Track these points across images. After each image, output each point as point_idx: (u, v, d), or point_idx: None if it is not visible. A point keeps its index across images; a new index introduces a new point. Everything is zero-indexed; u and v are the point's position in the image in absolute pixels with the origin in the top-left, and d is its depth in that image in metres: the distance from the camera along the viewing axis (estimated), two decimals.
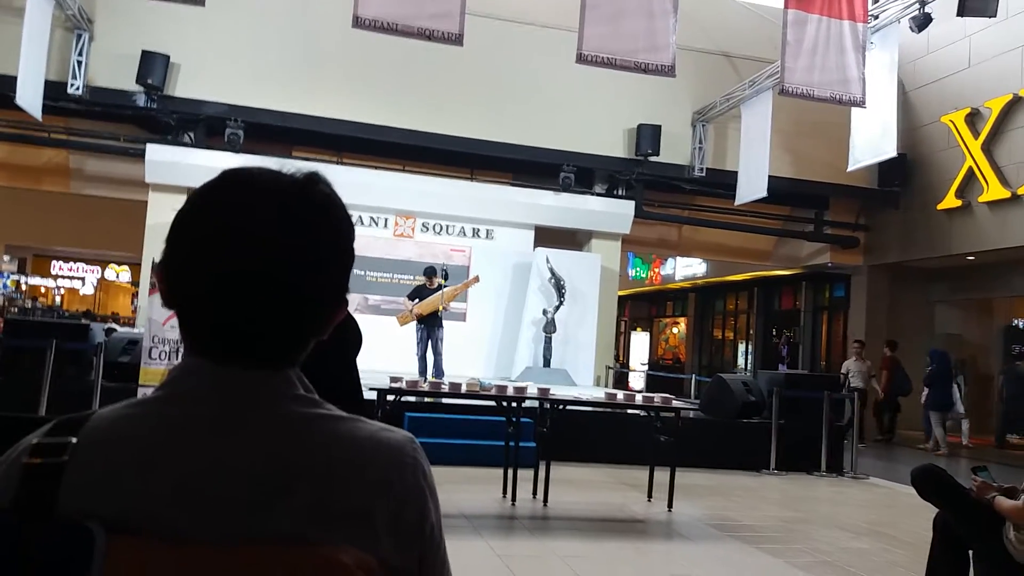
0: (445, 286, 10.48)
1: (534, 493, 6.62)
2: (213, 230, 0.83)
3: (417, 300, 10.39)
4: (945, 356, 12.71)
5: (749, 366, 19.77)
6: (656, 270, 22.95)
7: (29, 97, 10.00)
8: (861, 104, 10.04)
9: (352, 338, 2.87)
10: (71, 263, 22.26)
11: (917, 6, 10.32)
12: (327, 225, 0.87)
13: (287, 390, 0.84)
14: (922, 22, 10.30)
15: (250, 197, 0.84)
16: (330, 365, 1.60)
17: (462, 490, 6.71)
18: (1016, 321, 15.22)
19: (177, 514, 0.76)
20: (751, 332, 20.44)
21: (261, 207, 0.83)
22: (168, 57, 11.52)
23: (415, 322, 10.48)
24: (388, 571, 0.79)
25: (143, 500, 0.77)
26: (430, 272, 10.48)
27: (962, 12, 9.73)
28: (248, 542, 0.76)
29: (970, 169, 12.79)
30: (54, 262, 22.07)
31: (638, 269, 23.74)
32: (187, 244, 0.84)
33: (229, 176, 0.86)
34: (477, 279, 11.49)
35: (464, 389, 6.38)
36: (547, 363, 12.94)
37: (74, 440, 0.79)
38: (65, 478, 0.77)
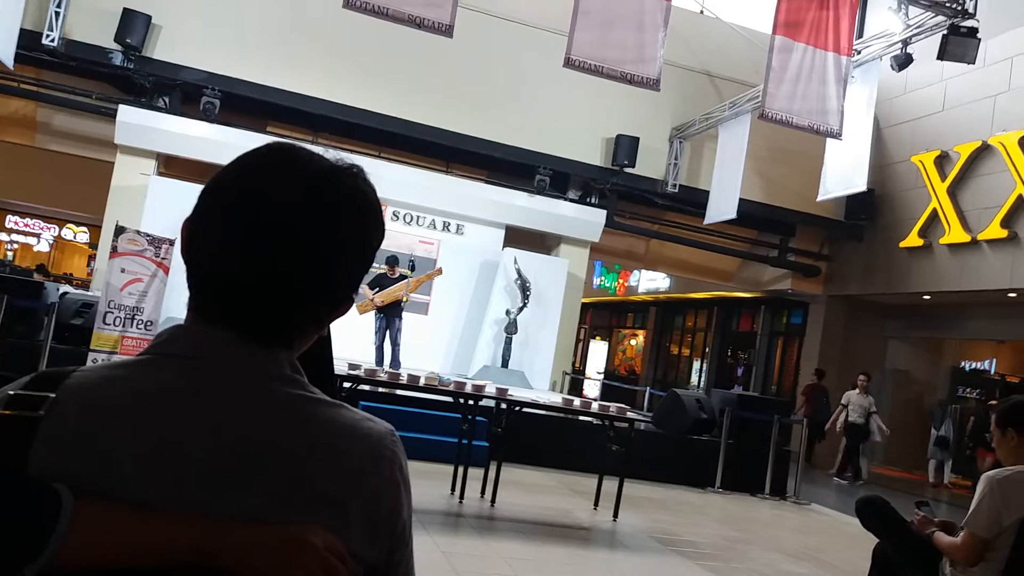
0: (409, 277, 10.45)
1: (483, 492, 6.62)
2: (242, 198, 0.84)
3: (378, 289, 10.32)
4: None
5: (702, 384, 19.98)
6: (623, 281, 23.10)
7: (2, 44, 9.73)
8: (838, 136, 10.21)
9: None
10: (27, 219, 21.71)
11: (900, 46, 10.52)
12: (351, 220, 0.87)
13: (275, 369, 0.84)
14: (903, 62, 10.51)
15: (285, 174, 0.85)
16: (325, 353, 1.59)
17: (412, 484, 6.67)
18: (964, 363, 15.60)
19: (148, 482, 0.76)
20: (707, 350, 20.66)
21: (292, 186, 0.84)
22: (150, 17, 11.28)
23: (374, 311, 10.42)
24: (356, 561, 0.79)
25: (115, 464, 0.76)
26: (392, 261, 10.44)
27: (942, 56, 9.93)
28: (219, 515, 0.75)
29: (934, 210, 13.08)
30: (9, 216, 21.50)
31: (604, 279, 23.86)
32: (215, 204, 0.85)
33: (271, 149, 0.88)
34: (440, 271, 11.44)
35: (423, 382, 6.35)
36: (505, 363, 12.93)
37: (52, 395, 0.78)
38: (39, 434, 0.76)
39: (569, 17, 8.84)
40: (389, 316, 10.40)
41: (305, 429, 0.81)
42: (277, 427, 0.80)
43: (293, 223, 0.82)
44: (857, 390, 12.70)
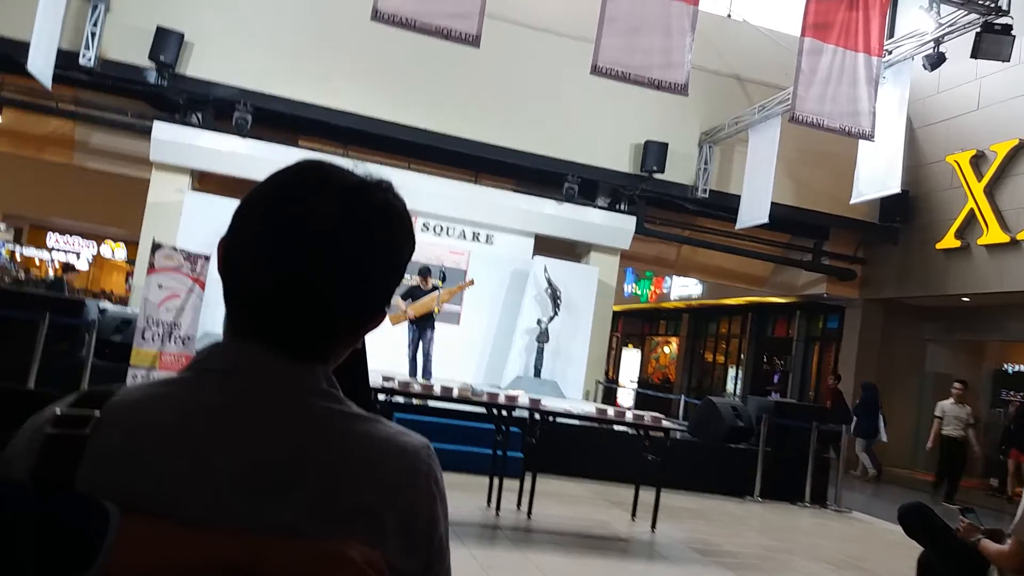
0: (441, 288, 10.46)
1: (518, 504, 6.59)
2: (274, 215, 0.85)
3: (411, 300, 10.35)
4: (873, 388, 13.13)
5: (738, 391, 19.77)
6: (655, 289, 22.94)
7: (40, 65, 9.93)
8: (870, 137, 10.07)
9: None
10: (67, 236, 22.14)
11: (932, 45, 10.36)
12: (383, 234, 0.88)
13: (312, 383, 0.85)
14: (935, 61, 10.34)
15: (317, 191, 0.86)
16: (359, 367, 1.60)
17: (448, 496, 6.67)
18: (1006, 366, 15.26)
19: (189, 498, 0.77)
20: (742, 357, 20.45)
21: (324, 202, 0.85)
22: (182, 35, 11.47)
23: (407, 322, 10.45)
24: (394, 573, 0.79)
25: (158, 481, 0.78)
26: (424, 272, 10.46)
27: (976, 54, 9.77)
28: (258, 529, 0.77)
29: (971, 211, 12.84)
30: (50, 234, 21.95)
31: (636, 287, 23.72)
32: (249, 222, 0.86)
33: (304, 166, 0.89)
34: (472, 282, 11.41)
35: (456, 394, 6.35)
36: (538, 373, 12.90)
37: (97, 414, 0.80)
38: (85, 452, 0.78)
39: (595, 24, 8.83)
40: (422, 327, 10.42)
41: (341, 443, 0.82)
42: (313, 441, 0.81)
43: (326, 238, 0.84)
44: (951, 400, 11.40)
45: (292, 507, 0.78)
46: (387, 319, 10.31)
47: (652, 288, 23.11)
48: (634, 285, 23.85)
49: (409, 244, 0.92)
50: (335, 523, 0.78)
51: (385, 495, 0.82)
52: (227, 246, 0.87)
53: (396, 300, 10.49)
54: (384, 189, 0.90)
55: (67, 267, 14.78)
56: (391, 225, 0.89)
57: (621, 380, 24.88)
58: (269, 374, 0.83)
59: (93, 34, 11.14)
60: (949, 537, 3.78)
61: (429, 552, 0.85)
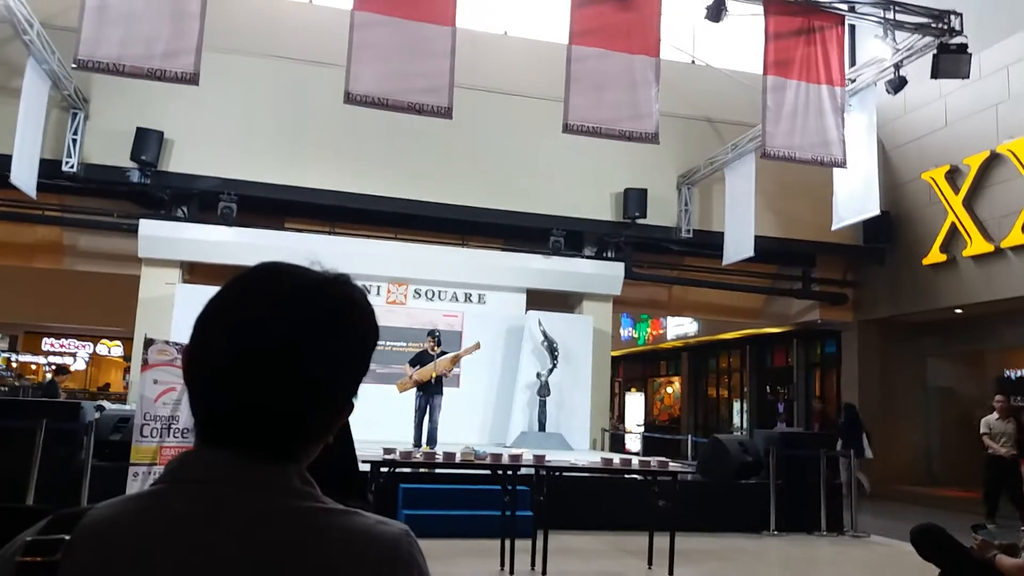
0: (444, 352, 10.44)
1: (532, 564, 6.52)
2: (230, 319, 0.87)
3: (418, 366, 10.29)
4: (853, 409, 13.36)
5: (745, 424, 19.67)
6: (654, 330, 22.95)
7: (24, 176, 10.13)
8: (842, 165, 10.26)
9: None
10: (63, 339, 22.18)
11: (892, 70, 10.64)
12: (345, 330, 0.89)
13: (285, 482, 0.85)
14: (898, 84, 10.62)
15: (271, 292, 0.88)
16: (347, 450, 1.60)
17: (459, 564, 6.62)
18: (1008, 372, 15.26)
19: None
20: (745, 390, 20.40)
21: (279, 302, 0.87)
22: (162, 133, 11.71)
23: (414, 389, 10.37)
24: None
25: None
26: (433, 335, 10.41)
27: (936, 75, 10.03)
28: None
29: (953, 224, 13.01)
30: (45, 339, 21.98)
31: (635, 330, 23.73)
32: (206, 332, 0.88)
33: (259, 270, 0.91)
34: (478, 345, 11.15)
35: (458, 458, 6.34)
36: (542, 427, 12.86)
37: (67, 538, 0.80)
38: None
39: (563, 84, 9.06)
40: (429, 394, 10.29)
41: (319, 540, 0.82)
42: (289, 542, 0.81)
43: (287, 343, 0.85)
44: (996, 415, 10.79)
45: None
46: (395, 387, 10.19)
47: (650, 330, 23.15)
48: (632, 329, 23.89)
49: (372, 334, 0.93)
50: None
51: None
52: (189, 357, 0.88)
53: (404, 367, 10.45)
54: (342, 283, 0.91)
55: (59, 369, 14.80)
56: (353, 320, 0.90)
57: (628, 425, 24.70)
58: (240, 479, 0.84)
59: (74, 141, 11.38)
60: (963, 555, 3.77)
61: None
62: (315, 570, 0.81)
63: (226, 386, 0.85)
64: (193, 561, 0.79)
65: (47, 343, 22.13)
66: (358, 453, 6.11)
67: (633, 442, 21.13)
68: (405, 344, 12.60)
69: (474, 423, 13.02)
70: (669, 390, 24.90)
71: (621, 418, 22.03)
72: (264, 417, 0.86)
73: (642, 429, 23.28)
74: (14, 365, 20.75)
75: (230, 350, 0.85)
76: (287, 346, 0.85)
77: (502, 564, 6.44)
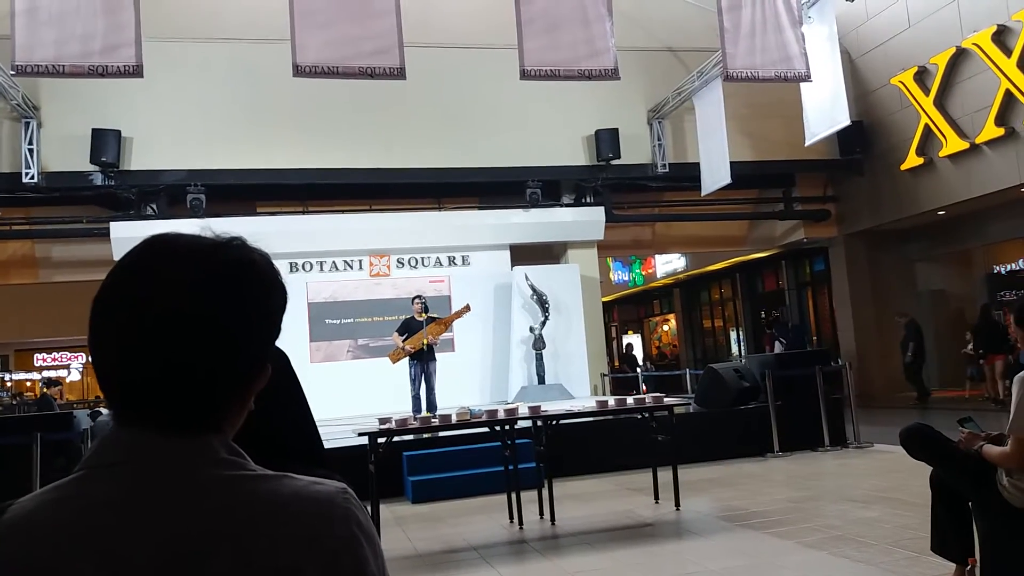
0: (433, 318, 10.36)
1: (540, 513, 6.56)
2: (122, 296, 0.84)
3: (407, 335, 10.22)
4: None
5: (743, 352, 19.78)
6: (647, 269, 22.90)
7: None
8: (807, 79, 10.16)
9: (280, 382, 2.83)
10: (54, 353, 22.10)
11: None
12: (242, 291, 0.86)
13: (208, 454, 0.83)
14: None
15: (161, 262, 0.85)
16: (269, 423, 1.56)
17: (469, 522, 6.65)
18: (997, 268, 15.32)
19: None
20: (740, 318, 20.48)
21: (174, 273, 0.84)
22: (119, 132, 11.50)
23: (407, 358, 10.33)
24: None
25: None
26: (417, 300, 10.31)
27: None
28: None
29: (927, 126, 12.94)
30: (36, 354, 21.90)
31: (630, 273, 23.67)
32: (100, 312, 0.85)
33: (146, 243, 0.88)
34: (468, 308, 11.12)
35: (454, 419, 6.33)
36: (541, 380, 12.89)
37: None
38: None
39: (514, 30, 8.88)
40: (423, 361, 10.26)
41: (246, 507, 0.80)
42: (216, 511, 0.79)
43: (183, 309, 0.82)
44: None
45: None
46: (387, 358, 10.14)
47: (643, 269, 23.11)
48: (627, 272, 23.83)
49: (275, 294, 0.90)
50: None
51: (303, 550, 0.80)
52: (90, 340, 0.85)
53: (393, 337, 10.40)
54: (236, 246, 0.89)
55: (49, 382, 14.78)
56: (250, 280, 0.87)
57: (631, 366, 24.80)
58: (160, 456, 0.82)
59: (31, 150, 11.18)
60: (951, 450, 3.78)
61: None
62: (243, 537, 0.79)
63: (133, 361, 0.82)
64: (118, 545, 0.77)
65: (39, 358, 22.07)
66: (359, 428, 6.08)
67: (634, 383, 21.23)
68: (396, 316, 12.56)
69: (473, 384, 13.06)
70: (665, 328, 24.99)
71: (620, 360, 22.09)
72: (175, 387, 0.82)
73: (640, 370, 23.38)
74: (8, 384, 20.70)
75: (132, 324, 0.82)
76: (190, 312, 0.82)
77: (511, 517, 6.47)
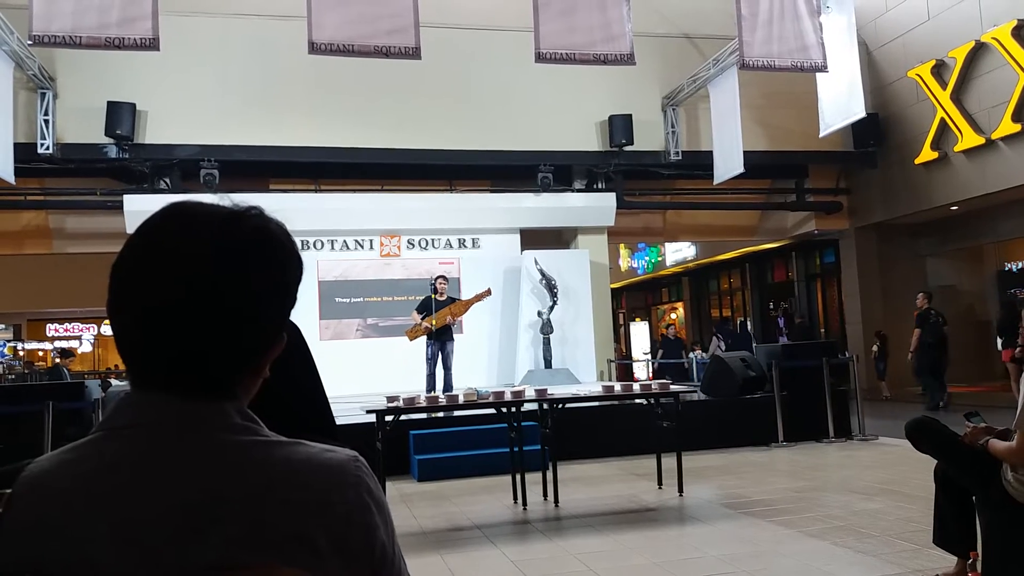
0: (452, 299, 10.38)
1: (544, 495, 6.62)
2: (142, 263, 0.85)
3: (425, 313, 10.23)
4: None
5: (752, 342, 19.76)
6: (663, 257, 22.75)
7: (0, 162, 10.02)
8: (823, 69, 10.10)
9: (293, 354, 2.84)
10: (66, 323, 22.25)
11: None
12: (260, 259, 0.87)
13: (223, 419, 0.84)
14: None
15: (181, 230, 0.86)
16: (283, 394, 1.58)
17: (474, 501, 6.71)
18: (1008, 265, 15.26)
19: (116, 555, 0.77)
20: (748, 308, 20.46)
21: (193, 240, 0.85)
22: (134, 105, 11.53)
23: (424, 337, 10.35)
24: None
25: (81, 546, 0.77)
26: (438, 280, 10.32)
27: None
28: (188, 572, 0.76)
29: (942, 120, 12.84)
30: (49, 324, 22.05)
31: (647, 259, 23.52)
32: (121, 278, 0.86)
33: (166, 210, 0.88)
34: (489, 292, 11.09)
35: (461, 400, 6.38)
36: (548, 364, 12.93)
37: (8, 491, 0.80)
38: (1, 531, 0.78)
39: (531, 13, 8.85)
40: (441, 340, 10.22)
41: (260, 471, 0.81)
42: (230, 476, 0.80)
43: (202, 275, 0.83)
44: None
45: (219, 545, 0.77)
46: (404, 335, 10.15)
47: (659, 258, 22.96)
48: (645, 260, 23.64)
49: (292, 265, 0.91)
50: (267, 553, 0.78)
51: (314, 516, 0.81)
52: (110, 306, 0.86)
53: (412, 315, 10.42)
54: (255, 215, 0.89)
55: (63, 353, 14.89)
56: (267, 249, 0.88)
57: (635, 354, 24.85)
58: (176, 420, 0.83)
59: (47, 121, 11.22)
60: (957, 444, 3.79)
61: (372, 562, 0.84)
62: (258, 502, 0.80)
63: (152, 327, 0.83)
64: (131, 505, 0.78)
65: (51, 328, 22.22)
66: (369, 407, 6.12)
67: (640, 370, 21.28)
68: (406, 297, 12.61)
69: (480, 367, 13.09)
70: (673, 316, 24.97)
71: (628, 347, 22.14)
72: (192, 353, 0.84)
73: (648, 357, 23.41)
74: (21, 353, 20.87)
75: (152, 291, 0.84)
76: (209, 280, 0.84)
77: (515, 498, 6.53)
